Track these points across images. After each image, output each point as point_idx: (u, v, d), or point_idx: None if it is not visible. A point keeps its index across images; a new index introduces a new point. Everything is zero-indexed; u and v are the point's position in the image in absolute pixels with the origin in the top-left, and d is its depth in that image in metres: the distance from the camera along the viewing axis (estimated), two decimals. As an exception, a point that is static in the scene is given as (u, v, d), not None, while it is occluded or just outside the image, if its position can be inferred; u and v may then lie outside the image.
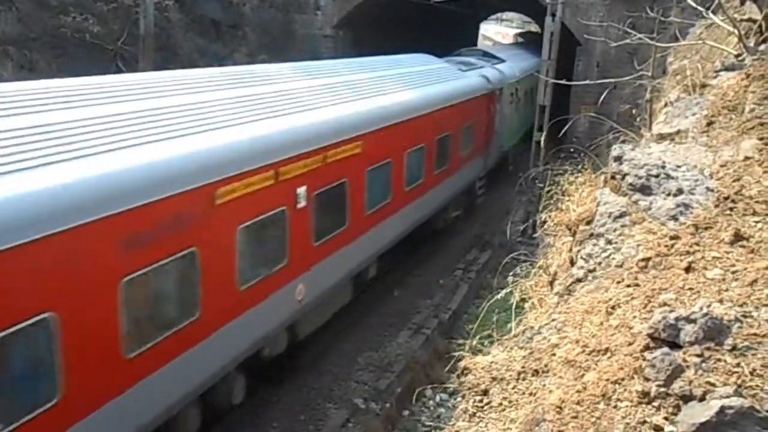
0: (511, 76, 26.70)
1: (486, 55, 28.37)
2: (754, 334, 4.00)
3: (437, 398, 12.74)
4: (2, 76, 18.85)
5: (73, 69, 19.01)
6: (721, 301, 4.32)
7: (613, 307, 4.76)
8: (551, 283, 7.42)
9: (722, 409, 3.54)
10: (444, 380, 9.83)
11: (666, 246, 5.17)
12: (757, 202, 5.36)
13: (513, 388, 4.67)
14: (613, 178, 6.32)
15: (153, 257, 7.73)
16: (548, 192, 10.02)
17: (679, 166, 6.19)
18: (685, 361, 3.91)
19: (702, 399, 3.68)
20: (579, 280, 5.68)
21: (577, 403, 4.00)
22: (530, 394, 4.50)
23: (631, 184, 6.03)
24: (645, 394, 3.85)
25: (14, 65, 20.46)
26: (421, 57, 20.64)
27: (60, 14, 22.46)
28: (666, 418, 3.70)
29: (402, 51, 22.19)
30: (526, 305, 7.52)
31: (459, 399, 5.06)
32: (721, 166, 6.08)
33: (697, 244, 5.08)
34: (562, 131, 17.66)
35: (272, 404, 12.17)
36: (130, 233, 7.32)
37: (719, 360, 3.87)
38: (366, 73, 15.88)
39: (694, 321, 4.06)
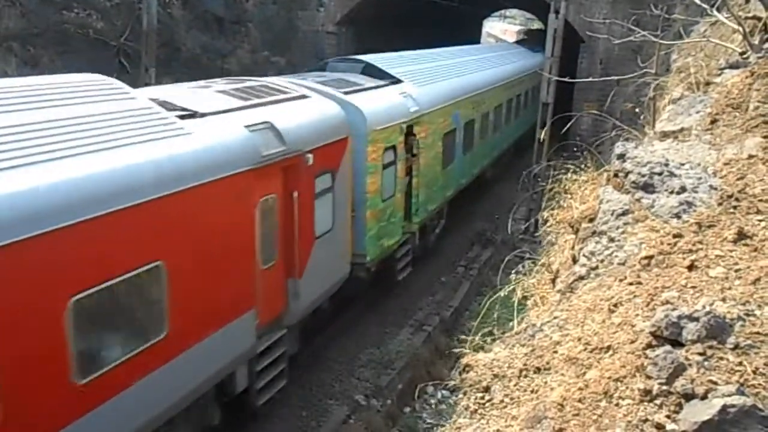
0: (393, 113, 15.02)
1: (367, 69, 16.87)
2: (757, 333, 3.99)
3: (439, 395, 12.75)
4: (6, 72, 18.88)
5: (76, 65, 19.02)
6: (723, 300, 4.31)
7: (615, 305, 4.75)
8: (553, 281, 7.41)
9: (724, 407, 3.54)
10: (445, 377, 9.83)
11: (669, 244, 5.16)
12: (760, 200, 5.35)
13: (515, 386, 4.67)
14: (616, 175, 6.31)
15: None
16: (551, 189, 10.01)
17: (682, 164, 6.18)
18: (687, 359, 3.90)
19: (704, 397, 3.68)
20: (581, 278, 5.67)
21: (579, 401, 3.99)
22: (532, 391, 4.49)
23: (634, 182, 6.02)
24: (647, 392, 3.84)
25: (18, 61, 20.48)
26: (88, 82, 9.04)
27: (63, 10, 22.48)
28: (668, 417, 3.70)
29: (404, 48, 21.97)
30: (528, 302, 7.52)
31: (460, 396, 5.06)
32: (725, 164, 6.07)
33: (700, 242, 5.07)
34: (565, 128, 17.61)
35: (273, 400, 12.17)
36: None
37: (721, 358, 3.86)
38: None
39: (696, 319, 4.06)
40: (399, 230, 16.09)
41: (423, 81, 18.00)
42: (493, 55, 28.64)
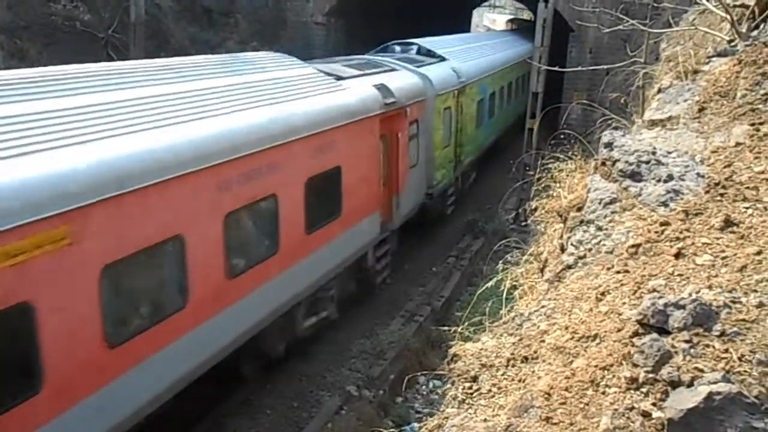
0: (449, 82, 20.15)
1: (420, 50, 21.97)
2: (743, 320, 4.00)
3: (430, 385, 12.79)
4: (-8, 65, 18.73)
5: (63, 57, 18.89)
6: (710, 287, 4.31)
7: (602, 294, 4.75)
8: (542, 270, 7.41)
9: (710, 394, 3.54)
10: (437, 367, 9.85)
11: (656, 232, 5.16)
12: (747, 188, 5.35)
13: (502, 375, 4.66)
14: (603, 164, 6.30)
15: None
16: (540, 179, 10.01)
17: (669, 152, 6.17)
18: (673, 347, 3.90)
19: (690, 385, 3.68)
20: (569, 267, 5.67)
21: (566, 390, 3.99)
22: (519, 380, 4.49)
23: (621, 171, 6.02)
24: (633, 380, 3.85)
25: (4, 54, 20.34)
26: (273, 56, 14.55)
27: (50, 2, 22.32)
28: (654, 404, 3.70)
29: (393, 38, 21.96)
30: (517, 292, 7.52)
31: (448, 386, 5.06)
32: (712, 152, 6.06)
33: (687, 230, 5.07)
34: (563, 121, 17.56)
35: (265, 392, 12.18)
36: None
37: (708, 346, 3.87)
38: None
39: (683, 307, 4.06)
40: (451, 173, 20.75)
41: (464, 59, 22.63)
42: (505, 40, 34.30)
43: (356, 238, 13.85)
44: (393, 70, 17.13)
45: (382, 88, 14.83)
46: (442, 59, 21.09)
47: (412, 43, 21.92)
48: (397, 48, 21.67)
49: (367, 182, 14.12)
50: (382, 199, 15.13)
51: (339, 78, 13.98)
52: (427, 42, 22.32)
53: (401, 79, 16.68)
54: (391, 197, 15.76)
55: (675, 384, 3.73)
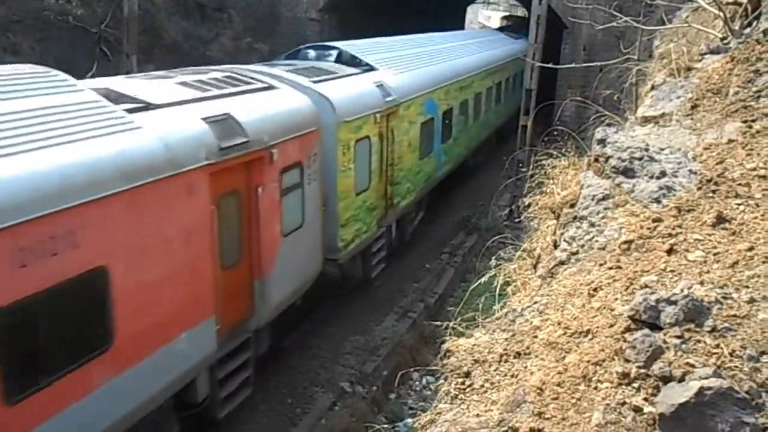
0: (366, 102, 14.64)
1: (340, 57, 16.65)
2: (734, 316, 4.02)
3: (423, 381, 12.82)
4: (-16, 60, 18.64)
5: (56, 52, 18.86)
6: (702, 283, 4.33)
7: (595, 290, 4.77)
8: (535, 266, 7.43)
9: (701, 389, 3.55)
10: (430, 363, 9.88)
11: (648, 228, 5.18)
12: (739, 184, 5.37)
13: (495, 370, 4.68)
14: (596, 161, 6.31)
15: None
16: (533, 175, 10.04)
17: (662, 149, 6.19)
18: (665, 342, 3.92)
19: (681, 380, 3.70)
20: (562, 263, 5.68)
21: (558, 385, 4.01)
22: (512, 376, 4.51)
23: (614, 167, 6.03)
24: (625, 375, 3.86)
25: (-3, 48, 20.26)
26: (28, 74, 8.28)
27: (43, -4, 22.25)
28: (646, 399, 3.72)
29: (387, 34, 21.86)
30: (510, 288, 7.54)
31: (441, 381, 5.07)
32: (705, 148, 6.09)
33: (679, 226, 5.09)
34: (556, 117, 17.55)
35: (259, 388, 12.18)
36: None
37: (699, 341, 3.89)
38: None
39: (674, 303, 4.07)
40: (374, 224, 15.55)
41: (403, 68, 17.47)
42: (475, 41, 27.82)
43: (156, 372, 8.53)
44: (268, 88, 11.91)
45: (222, 122, 9.75)
46: (369, 69, 16.19)
47: (332, 48, 16.92)
48: (312, 53, 16.77)
49: (181, 277, 8.80)
50: (226, 294, 9.86)
51: (138, 108, 8.91)
52: (352, 46, 17.28)
53: (270, 104, 11.32)
54: (249, 285, 10.65)
55: (666, 379, 3.74)
